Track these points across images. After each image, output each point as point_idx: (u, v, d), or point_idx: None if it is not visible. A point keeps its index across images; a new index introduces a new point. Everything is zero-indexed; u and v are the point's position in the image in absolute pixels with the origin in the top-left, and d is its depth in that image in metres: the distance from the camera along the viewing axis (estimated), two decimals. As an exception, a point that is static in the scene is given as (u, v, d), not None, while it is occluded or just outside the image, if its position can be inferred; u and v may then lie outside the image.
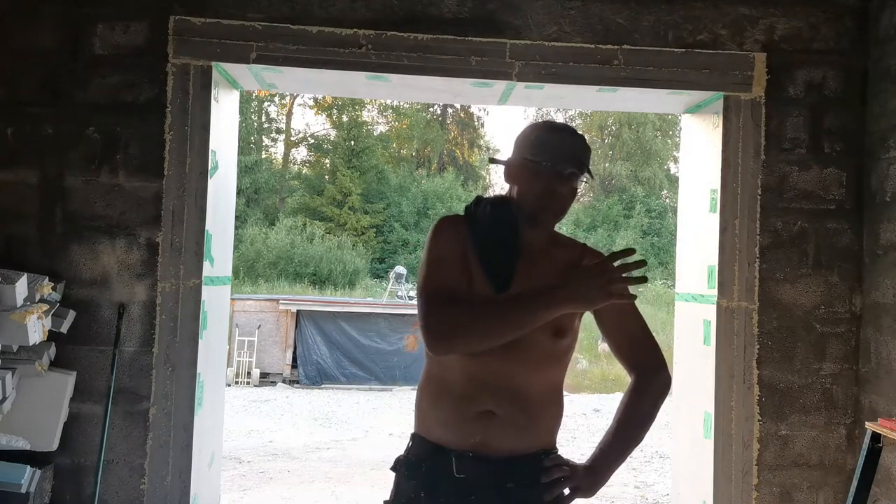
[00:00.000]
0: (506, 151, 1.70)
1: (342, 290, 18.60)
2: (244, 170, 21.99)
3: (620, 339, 1.74)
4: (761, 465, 3.60)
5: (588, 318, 1.76)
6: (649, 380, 1.71)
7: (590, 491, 1.63)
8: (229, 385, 10.14)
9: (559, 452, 1.69)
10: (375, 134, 27.31)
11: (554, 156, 1.61)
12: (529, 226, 1.66)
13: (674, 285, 4.62)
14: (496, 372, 1.58)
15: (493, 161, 1.79)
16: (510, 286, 1.58)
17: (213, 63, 3.49)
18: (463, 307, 1.53)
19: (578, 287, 1.47)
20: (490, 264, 1.60)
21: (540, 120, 1.76)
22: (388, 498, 1.69)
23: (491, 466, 1.58)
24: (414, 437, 1.69)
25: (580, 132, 1.69)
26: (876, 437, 2.75)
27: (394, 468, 1.70)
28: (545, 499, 1.61)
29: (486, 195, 1.74)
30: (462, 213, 1.70)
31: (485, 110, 29.15)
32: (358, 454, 6.61)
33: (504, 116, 34.70)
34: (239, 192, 18.78)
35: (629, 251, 1.54)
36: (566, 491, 1.63)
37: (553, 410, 1.67)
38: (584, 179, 1.67)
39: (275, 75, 3.73)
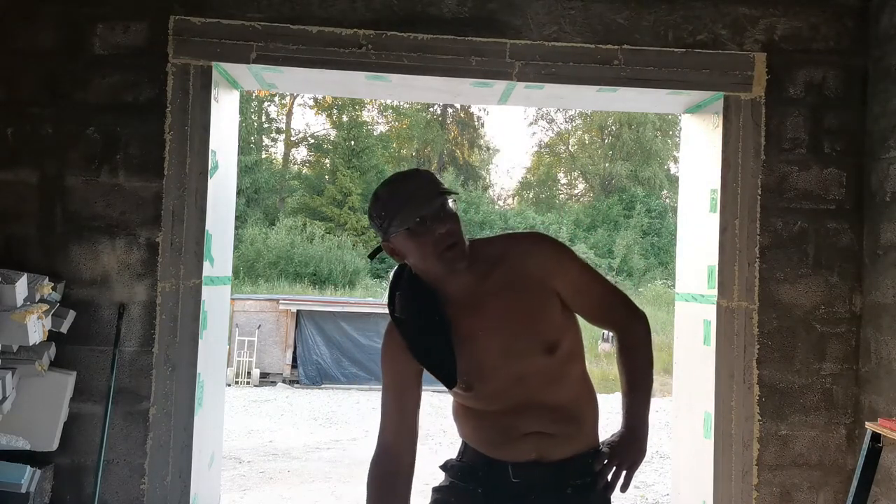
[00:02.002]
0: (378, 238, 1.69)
1: (342, 290, 18.59)
2: (244, 170, 21.97)
3: (588, 305, 1.71)
4: (761, 465, 3.60)
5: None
6: (631, 331, 1.73)
7: (640, 455, 1.64)
8: (229, 385, 10.13)
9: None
10: (375, 134, 27.29)
11: (415, 206, 1.52)
12: (449, 280, 1.60)
13: (674, 285, 4.62)
14: (527, 399, 1.61)
15: (373, 256, 1.74)
16: (456, 381, 1.60)
17: (213, 63, 3.49)
18: (370, 487, 1.65)
19: None
20: (431, 368, 1.62)
21: (374, 193, 1.68)
22: (438, 485, 1.72)
23: (547, 470, 1.62)
24: (466, 445, 1.72)
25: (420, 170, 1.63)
26: (876, 437, 2.74)
27: (444, 468, 1.74)
28: (606, 496, 1.64)
29: (398, 285, 1.68)
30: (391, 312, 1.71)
31: (485, 110, 29.13)
32: (358, 454, 6.60)
33: (504, 116, 34.70)
34: (239, 192, 18.76)
35: None
36: (622, 475, 1.63)
37: (591, 406, 1.71)
38: (454, 198, 1.59)
39: (275, 75, 3.73)
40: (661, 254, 23.24)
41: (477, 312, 1.60)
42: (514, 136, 40.44)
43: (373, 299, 13.83)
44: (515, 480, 1.61)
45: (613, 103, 4.17)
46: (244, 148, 23.19)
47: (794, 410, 3.64)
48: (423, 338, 1.61)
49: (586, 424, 1.68)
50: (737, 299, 3.62)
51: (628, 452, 1.63)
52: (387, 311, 1.72)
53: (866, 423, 2.87)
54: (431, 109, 28.21)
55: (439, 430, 7.32)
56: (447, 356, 1.58)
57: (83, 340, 3.40)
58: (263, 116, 27.57)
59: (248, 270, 19.56)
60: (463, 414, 1.71)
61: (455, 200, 1.59)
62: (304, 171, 27.49)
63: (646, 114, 24.46)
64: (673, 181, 25.39)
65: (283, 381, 11.09)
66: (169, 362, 3.41)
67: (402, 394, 1.69)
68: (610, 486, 1.61)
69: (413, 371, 1.66)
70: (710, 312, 3.69)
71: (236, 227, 4.97)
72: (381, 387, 1.77)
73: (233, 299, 10.93)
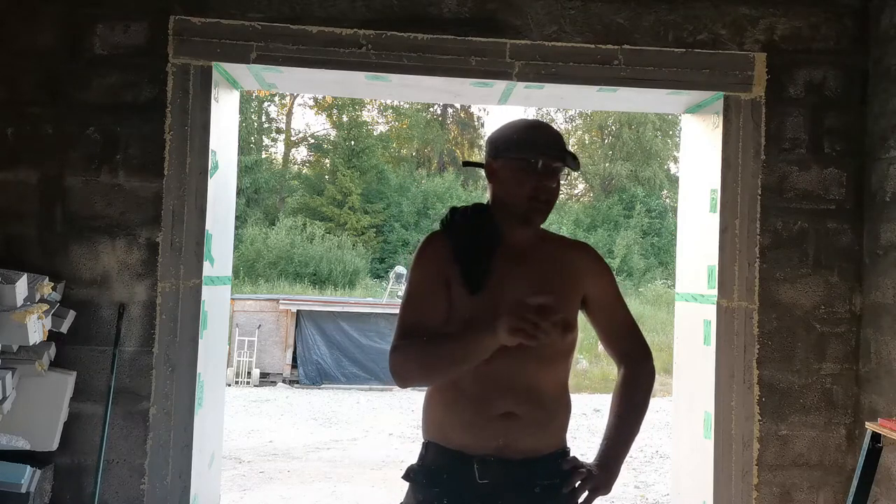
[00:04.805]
0: (486, 152, 1.77)
1: (342, 290, 18.58)
2: (244, 170, 21.97)
3: (608, 328, 1.77)
4: (761, 465, 3.60)
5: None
6: (638, 370, 1.76)
7: (606, 488, 1.64)
8: (229, 385, 10.14)
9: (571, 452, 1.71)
10: (375, 134, 27.28)
11: (542, 151, 1.60)
12: (515, 226, 1.66)
13: (674, 285, 4.62)
14: (511, 372, 1.58)
15: (468, 164, 1.80)
16: (482, 287, 1.58)
17: (213, 63, 3.49)
18: (415, 344, 1.57)
19: (508, 322, 1.44)
20: (464, 268, 1.60)
21: (517, 119, 1.78)
22: None
23: (513, 469, 1.58)
24: (428, 445, 1.66)
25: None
26: (876, 437, 2.75)
27: (406, 477, 1.66)
28: (569, 501, 1.62)
29: (460, 206, 1.75)
30: (441, 227, 1.71)
31: (485, 110, 29.13)
32: (358, 454, 6.60)
33: (504, 116, 34.70)
34: (239, 192, 18.76)
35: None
36: (585, 493, 1.63)
37: (565, 408, 1.69)
38: (567, 173, 1.70)
39: (275, 75, 3.73)
40: (661, 254, 23.23)
41: (514, 264, 1.64)
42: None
43: (373, 299, 13.83)
44: (482, 482, 1.57)
45: (613, 103, 4.17)
46: (244, 148, 23.19)
47: (794, 410, 3.64)
48: (468, 246, 1.63)
49: (555, 421, 1.64)
50: (737, 299, 3.62)
51: (599, 479, 1.63)
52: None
53: (866, 423, 2.87)
54: (431, 109, 28.22)
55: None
56: (484, 264, 1.60)
57: (83, 340, 3.40)
58: (263, 116, 27.56)
59: (248, 270, 19.55)
60: (440, 393, 1.65)
61: (567, 174, 1.67)
62: (304, 171, 27.48)
63: (646, 114, 24.47)
64: (673, 181, 25.39)
65: (283, 381, 11.09)
66: (169, 362, 3.41)
67: (429, 295, 1.62)
68: (575, 492, 1.61)
69: (443, 280, 1.62)
70: (710, 312, 3.69)
71: (236, 227, 4.98)
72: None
73: (233, 299, 10.94)
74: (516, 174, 1.62)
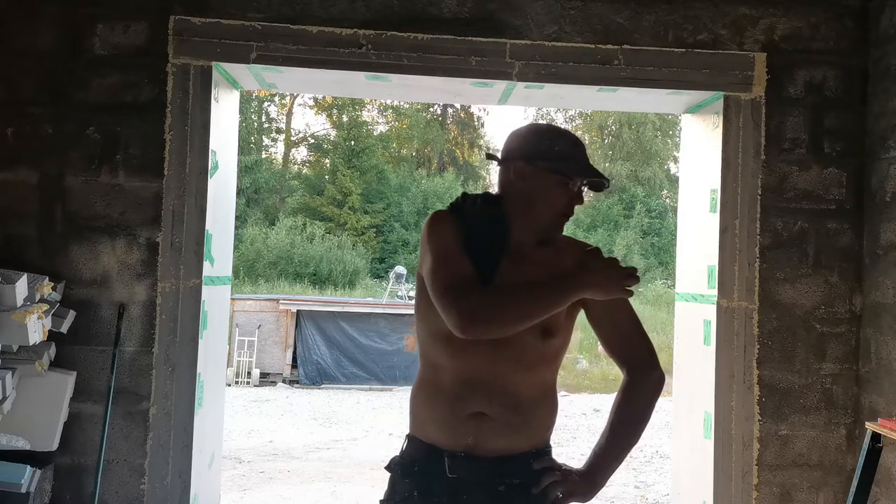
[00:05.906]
0: (512, 149, 1.72)
1: (342, 290, 18.59)
2: (244, 170, 21.97)
3: (610, 332, 1.70)
4: (761, 465, 3.60)
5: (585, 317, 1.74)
6: (641, 379, 1.67)
7: (585, 496, 1.62)
8: (229, 385, 10.13)
9: (553, 452, 1.69)
10: (375, 134, 27.29)
11: (584, 175, 1.61)
12: (524, 227, 1.63)
13: (674, 285, 4.62)
14: (487, 373, 1.58)
15: (491, 157, 1.73)
16: (492, 282, 1.56)
17: (213, 63, 3.49)
18: (493, 292, 1.52)
19: (598, 273, 1.49)
20: (475, 260, 1.56)
21: (546, 123, 1.73)
22: (383, 497, 1.70)
23: (483, 466, 1.59)
24: (409, 437, 1.70)
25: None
26: (876, 437, 2.75)
27: (388, 468, 1.72)
28: (540, 501, 1.60)
29: (472, 193, 1.72)
30: (449, 209, 1.67)
31: (485, 110, 29.13)
32: (358, 454, 6.60)
33: (504, 116, 34.71)
34: (239, 192, 18.73)
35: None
36: (559, 495, 1.61)
37: (546, 410, 1.66)
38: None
39: (275, 75, 3.73)
40: (661, 254, 23.23)
41: (516, 263, 1.62)
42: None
43: (373, 299, 13.83)
44: (451, 475, 1.59)
45: (613, 103, 4.17)
46: (244, 148, 23.19)
47: (794, 410, 3.64)
48: (481, 237, 1.59)
49: (532, 423, 1.63)
50: (737, 299, 3.62)
51: (579, 486, 1.61)
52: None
53: (866, 423, 2.87)
54: (431, 109, 28.21)
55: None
56: (493, 263, 1.58)
57: (83, 340, 3.40)
58: (263, 116, 27.57)
59: (248, 270, 19.56)
60: (423, 389, 1.67)
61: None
62: (304, 171, 27.49)
63: (646, 114, 24.46)
64: (673, 181, 25.39)
65: (283, 381, 11.09)
66: (169, 362, 3.41)
67: (461, 254, 1.56)
68: (546, 493, 1.59)
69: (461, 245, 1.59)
70: (710, 312, 3.69)
71: (236, 227, 4.98)
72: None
73: (233, 299, 10.93)
74: (551, 188, 1.60)
